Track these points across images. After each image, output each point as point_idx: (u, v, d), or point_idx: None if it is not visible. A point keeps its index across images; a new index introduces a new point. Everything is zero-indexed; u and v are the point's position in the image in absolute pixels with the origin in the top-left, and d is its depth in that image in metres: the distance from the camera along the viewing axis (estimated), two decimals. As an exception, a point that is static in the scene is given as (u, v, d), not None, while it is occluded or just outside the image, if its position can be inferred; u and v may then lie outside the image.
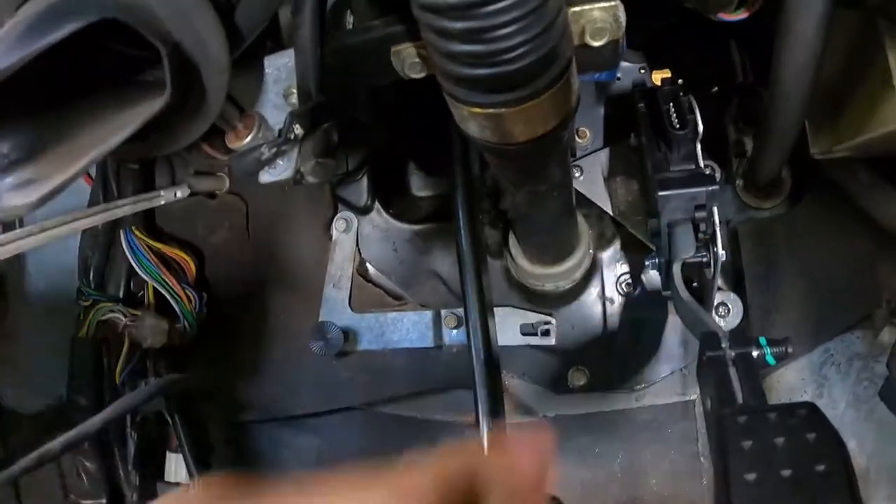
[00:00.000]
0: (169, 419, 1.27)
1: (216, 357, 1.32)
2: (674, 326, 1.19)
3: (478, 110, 0.58)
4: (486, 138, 0.62)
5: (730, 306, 1.09)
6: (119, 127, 0.50)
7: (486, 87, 0.54)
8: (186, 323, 1.23)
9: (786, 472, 0.53)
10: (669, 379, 1.20)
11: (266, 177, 0.79)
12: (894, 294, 1.05)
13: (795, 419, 0.60)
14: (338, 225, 1.25)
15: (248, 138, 0.74)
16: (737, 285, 1.14)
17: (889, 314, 1.06)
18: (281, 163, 0.78)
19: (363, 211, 1.26)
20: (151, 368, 1.28)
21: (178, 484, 1.29)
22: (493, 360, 0.82)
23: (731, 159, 1.15)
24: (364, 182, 1.24)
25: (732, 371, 0.71)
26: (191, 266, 1.28)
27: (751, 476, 0.52)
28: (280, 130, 0.75)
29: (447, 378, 1.23)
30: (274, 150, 0.69)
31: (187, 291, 1.24)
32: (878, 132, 0.77)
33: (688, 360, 1.19)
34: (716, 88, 1.20)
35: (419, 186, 1.29)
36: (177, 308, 1.23)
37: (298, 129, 0.69)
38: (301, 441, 1.32)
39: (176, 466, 1.29)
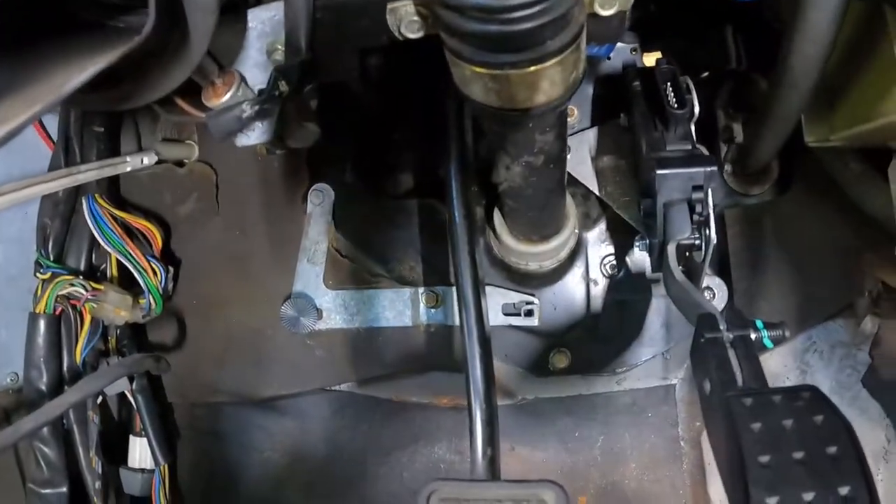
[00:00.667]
0: (133, 401, 1.21)
1: (182, 335, 1.26)
2: (657, 310, 1.18)
3: (483, 70, 0.55)
4: (489, 102, 0.59)
5: (715, 291, 1.09)
6: (92, 65, 0.45)
7: (496, 46, 0.51)
8: (151, 298, 1.17)
9: (798, 455, 0.52)
10: (651, 362, 1.19)
11: (243, 139, 0.74)
12: (877, 284, 1.05)
13: (801, 402, 0.58)
14: (313, 197, 1.20)
15: (227, 96, 0.69)
16: (721, 270, 1.13)
17: (871, 303, 1.06)
18: (260, 125, 0.73)
19: (340, 183, 1.20)
20: (114, 347, 1.22)
21: (142, 470, 1.23)
22: (486, 339, 0.79)
23: (719, 145, 1.14)
24: (343, 152, 1.19)
25: (731, 353, 0.69)
26: (157, 238, 1.21)
27: (764, 458, 0.51)
28: (261, 91, 0.70)
29: (425, 359, 1.20)
30: (256, 107, 0.64)
31: (153, 264, 1.17)
32: (878, 123, 0.76)
33: (670, 343, 1.19)
34: (706, 73, 1.18)
35: (401, 159, 1.24)
36: (141, 282, 1.16)
37: (283, 86, 0.64)
38: (273, 423, 1.27)
39: (140, 451, 1.24)
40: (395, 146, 1.22)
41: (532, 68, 0.54)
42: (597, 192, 1.11)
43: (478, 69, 0.54)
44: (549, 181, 0.83)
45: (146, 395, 1.22)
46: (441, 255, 1.19)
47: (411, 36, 0.64)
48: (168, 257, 1.24)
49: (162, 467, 1.22)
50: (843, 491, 0.49)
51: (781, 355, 1.13)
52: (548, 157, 0.74)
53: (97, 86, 0.51)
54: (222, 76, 0.69)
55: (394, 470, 1.24)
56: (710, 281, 1.09)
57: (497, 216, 1.09)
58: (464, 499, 0.55)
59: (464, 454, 1.24)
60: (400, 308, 1.19)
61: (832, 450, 0.53)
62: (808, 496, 0.49)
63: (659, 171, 0.84)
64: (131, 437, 1.24)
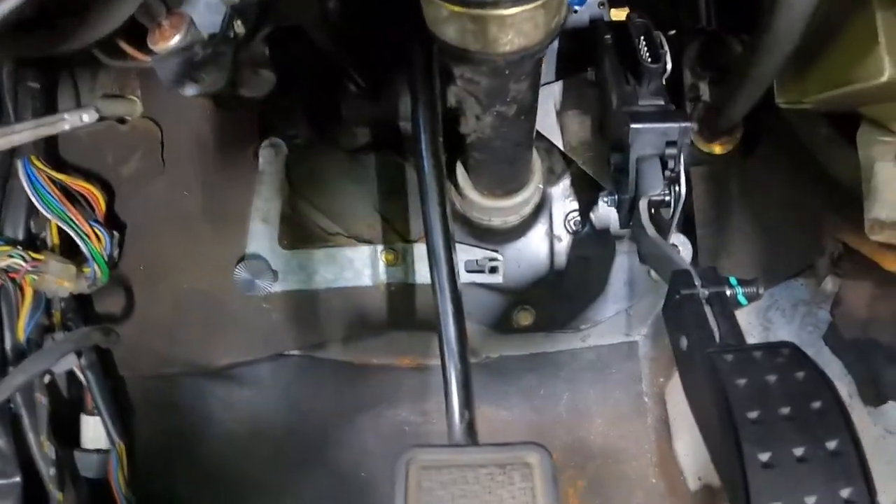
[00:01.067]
0: (83, 378, 1.15)
1: (131, 304, 1.20)
2: (620, 266, 1.18)
3: (462, 10, 0.51)
4: (464, 45, 0.55)
5: (680, 248, 1.08)
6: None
7: None
8: (96, 266, 1.10)
9: (784, 410, 0.51)
10: (615, 319, 1.19)
11: (193, 88, 0.68)
12: (838, 245, 1.06)
13: (781, 358, 0.58)
14: (265, 153, 1.14)
15: (175, 39, 0.63)
16: (686, 228, 1.12)
17: (832, 264, 1.08)
18: (212, 72, 0.68)
19: (294, 137, 1.15)
20: (59, 321, 1.15)
21: (97, 451, 1.18)
22: (458, 296, 0.76)
23: (685, 103, 1.12)
24: (296, 104, 1.13)
25: (707, 309, 0.68)
26: (99, 201, 1.14)
27: (753, 414, 0.50)
28: (213, 34, 0.64)
29: (385, 318, 1.17)
30: (209, 50, 0.59)
31: (96, 230, 1.11)
32: (851, 88, 0.76)
33: (633, 300, 1.19)
34: (673, 31, 1.16)
35: (358, 111, 1.18)
36: (84, 249, 1.09)
37: (239, 27, 0.59)
38: (231, 393, 1.22)
39: (94, 431, 1.18)
40: (352, 97, 1.17)
41: (517, 9, 0.51)
42: (561, 147, 1.09)
43: (455, 8, 0.51)
44: (519, 133, 0.80)
45: (96, 371, 1.16)
46: (400, 211, 1.16)
47: (378, -26, 0.59)
48: (112, 221, 1.17)
49: (118, 446, 1.18)
50: (832, 445, 0.49)
51: (744, 312, 1.14)
52: (520, 108, 0.71)
53: (30, 25, 0.45)
54: (170, 17, 0.63)
55: (358, 434, 1.21)
56: (676, 238, 1.08)
57: (460, 170, 1.05)
58: (444, 465, 0.53)
59: (428, 415, 1.22)
60: (358, 267, 1.16)
61: (816, 405, 0.52)
62: (799, 451, 0.48)
63: (633, 126, 0.82)
64: (83, 417, 1.19)
